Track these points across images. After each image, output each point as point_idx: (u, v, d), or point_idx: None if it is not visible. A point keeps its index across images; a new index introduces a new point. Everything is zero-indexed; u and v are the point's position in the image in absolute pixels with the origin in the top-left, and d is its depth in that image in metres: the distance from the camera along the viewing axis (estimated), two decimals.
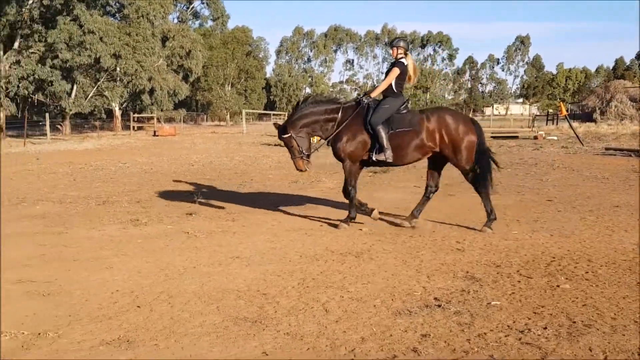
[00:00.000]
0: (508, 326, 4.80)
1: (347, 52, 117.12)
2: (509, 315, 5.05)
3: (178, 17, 69.05)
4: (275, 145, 28.72)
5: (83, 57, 37.09)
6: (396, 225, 8.96)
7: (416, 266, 6.65)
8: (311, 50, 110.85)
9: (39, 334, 4.70)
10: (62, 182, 14.79)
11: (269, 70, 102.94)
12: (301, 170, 9.02)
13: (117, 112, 50.31)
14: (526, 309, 5.22)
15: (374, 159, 8.75)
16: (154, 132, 45.13)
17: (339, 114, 8.91)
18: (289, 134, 8.86)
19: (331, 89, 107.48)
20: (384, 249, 7.49)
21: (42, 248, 7.74)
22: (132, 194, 12.75)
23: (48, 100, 44.19)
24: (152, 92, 48.79)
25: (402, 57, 9.02)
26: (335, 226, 8.94)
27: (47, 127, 37.17)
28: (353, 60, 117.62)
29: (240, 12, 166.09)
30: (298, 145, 8.85)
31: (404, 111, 8.88)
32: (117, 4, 45.24)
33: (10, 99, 37.65)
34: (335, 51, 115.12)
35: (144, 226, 9.18)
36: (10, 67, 36.33)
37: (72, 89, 40.75)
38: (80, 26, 36.62)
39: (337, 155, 9.07)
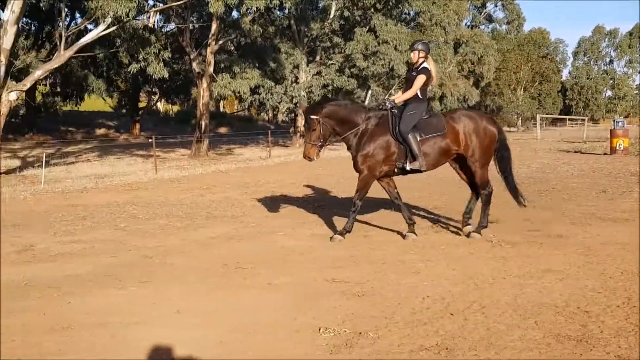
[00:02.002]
0: None
1: None
2: None
3: (470, 22, 68.86)
4: (575, 152, 27.11)
5: (377, 65, 38.59)
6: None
7: None
8: (614, 51, 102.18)
9: (360, 333, 4.83)
10: (342, 185, 15.18)
11: (564, 73, 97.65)
12: (309, 159, 8.49)
13: None
14: None
15: (407, 168, 8.42)
16: None
17: (363, 120, 8.52)
18: (318, 117, 8.36)
19: (636, 92, 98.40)
20: None
21: (350, 249, 8.06)
22: (423, 199, 12.76)
23: None
24: (442, 98, 49.27)
25: (423, 61, 8.67)
26: (403, 236, 8.73)
27: None
28: None
29: (536, 12, 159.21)
30: (320, 132, 8.35)
31: (426, 116, 8.61)
32: (411, 12, 46.42)
33: None
34: None
35: (445, 232, 9.16)
36: (312, 77, 39.19)
37: (366, 96, 42.76)
38: (376, 36, 38.18)
39: (356, 166, 8.60)
